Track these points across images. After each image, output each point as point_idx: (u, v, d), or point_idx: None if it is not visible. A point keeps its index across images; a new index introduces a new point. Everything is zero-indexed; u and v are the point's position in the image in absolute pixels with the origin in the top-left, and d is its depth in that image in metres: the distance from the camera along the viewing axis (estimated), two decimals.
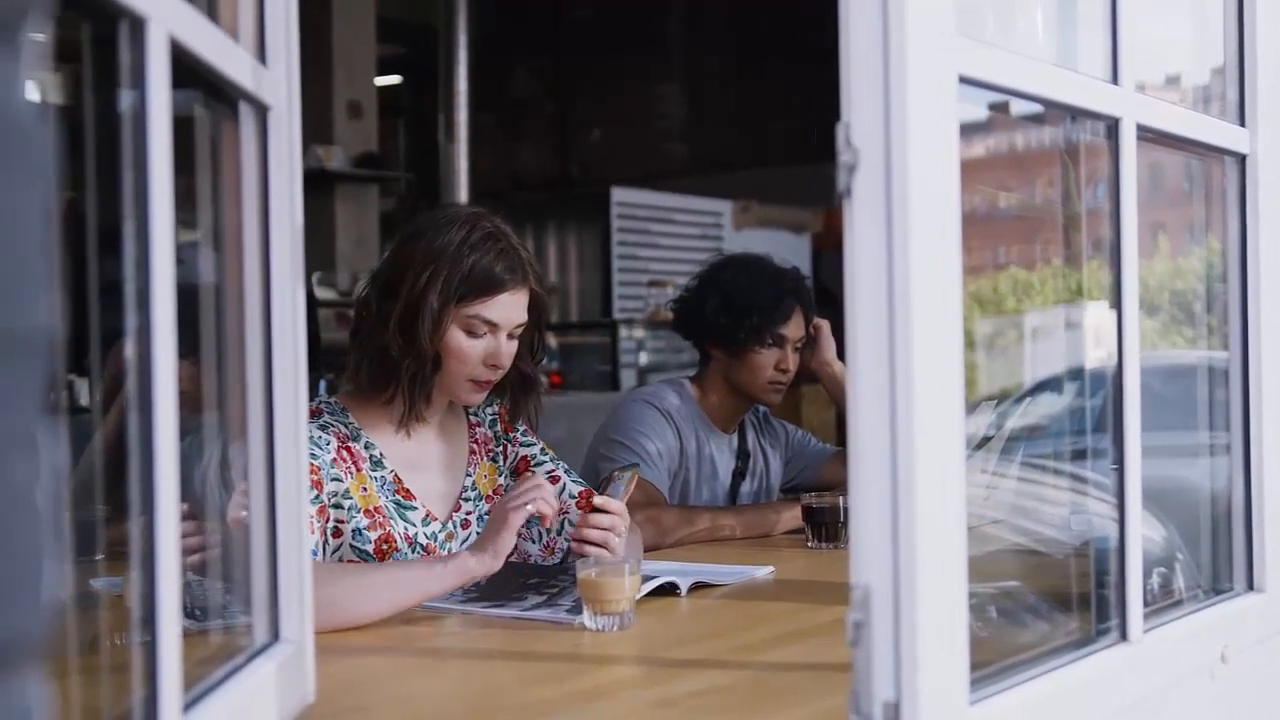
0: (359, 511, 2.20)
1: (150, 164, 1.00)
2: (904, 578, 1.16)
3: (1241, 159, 1.83)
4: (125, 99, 1.00)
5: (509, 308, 2.24)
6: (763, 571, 2.39)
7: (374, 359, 2.24)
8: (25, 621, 0.56)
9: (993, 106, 1.49)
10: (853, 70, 1.18)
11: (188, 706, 1.08)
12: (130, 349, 1.00)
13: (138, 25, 0.99)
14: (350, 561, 2.18)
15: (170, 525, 1.01)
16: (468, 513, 2.36)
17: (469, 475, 2.38)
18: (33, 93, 0.60)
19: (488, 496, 2.39)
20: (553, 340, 7.90)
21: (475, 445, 2.41)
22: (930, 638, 1.17)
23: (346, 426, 2.25)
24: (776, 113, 9.32)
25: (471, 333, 2.22)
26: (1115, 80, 1.53)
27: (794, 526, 2.85)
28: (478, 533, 2.32)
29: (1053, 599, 1.73)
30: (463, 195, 8.56)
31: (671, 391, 3.10)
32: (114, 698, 1.19)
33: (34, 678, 0.58)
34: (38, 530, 0.56)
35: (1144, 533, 1.57)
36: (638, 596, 1.96)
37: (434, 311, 2.18)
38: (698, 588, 2.21)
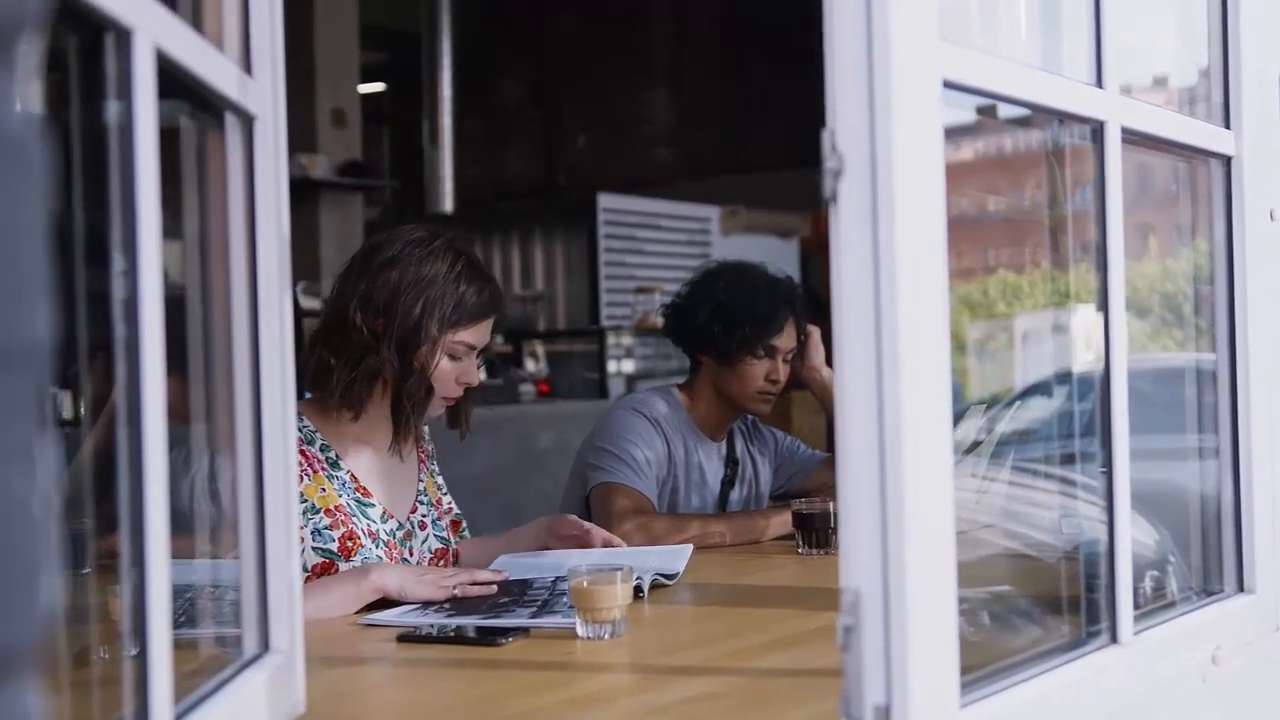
0: (318, 512, 2.27)
1: (137, 174, 1.00)
2: (893, 581, 1.16)
3: (1227, 161, 1.83)
4: (111, 109, 1.00)
5: (488, 332, 2.39)
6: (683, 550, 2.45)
7: (365, 379, 2.30)
8: (23, 631, 0.56)
9: (980, 110, 1.49)
10: (837, 76, 1.18)
11: (179, 718, 1.07)
12: (120, 360, 1.00)
13: (124, 36, 0.99)
14: (315, 565, 2.22)
15: (160, 537, 1.01)
16: (423, 515, 2.47)
17: (420, 481, 2.50)
18: (28, 105, 0.60)
19: (435, 503, 2.51)
20: (540, 348, 7.89)
21: (423, 456, 2.53)
22: (920, 641, 1.17)
23: (301, 430, 2.28)
24: (763, 117, 9.34)
25: (453, 356, 2.34)
26: (1099, 83, 1.53)
27: (783, 532, 2.85)
28: (435, 535, 2.47)
29: (1043, 602, 1.73)
30: (448, 204, 8.54)
31: (660, 399, 3.09)
32: (102, 710, 1.18)
33: (31, 687, 0.58)
34: (35, 540, 0.56)
35: (1136, 536, 1.57)
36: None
37: (433, 339, 2.29)
38: (658, 586, 2.25)
